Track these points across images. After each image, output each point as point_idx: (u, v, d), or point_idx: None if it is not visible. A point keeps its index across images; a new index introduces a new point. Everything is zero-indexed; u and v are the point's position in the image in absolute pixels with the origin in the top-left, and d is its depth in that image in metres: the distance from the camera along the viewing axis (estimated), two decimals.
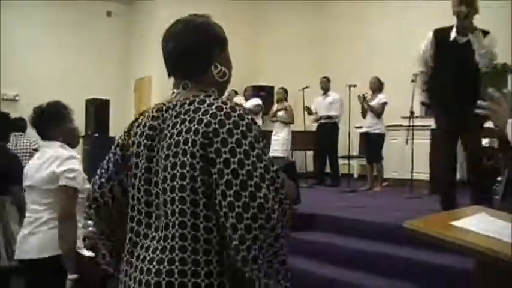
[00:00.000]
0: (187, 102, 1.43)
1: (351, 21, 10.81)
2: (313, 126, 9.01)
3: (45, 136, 2.95)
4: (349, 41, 10.78)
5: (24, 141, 6.42)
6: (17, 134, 6.17)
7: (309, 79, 9.29)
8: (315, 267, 4.36)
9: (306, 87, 8.68)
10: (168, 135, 1.41)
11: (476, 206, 1.63)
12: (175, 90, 1.53)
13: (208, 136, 1.33)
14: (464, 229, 1.46)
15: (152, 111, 1.51)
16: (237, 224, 1.28)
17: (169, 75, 1.56)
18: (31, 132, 6.64)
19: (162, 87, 10.36)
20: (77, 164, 2.81)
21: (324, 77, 8.86)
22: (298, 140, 9.32)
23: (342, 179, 8.65)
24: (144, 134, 1.48)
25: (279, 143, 8.83)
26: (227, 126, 1.34)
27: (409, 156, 7.05)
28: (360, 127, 8.27)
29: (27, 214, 2.92)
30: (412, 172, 7.07)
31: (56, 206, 2.75)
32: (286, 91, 9.19)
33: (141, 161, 1.47)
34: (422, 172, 7.28)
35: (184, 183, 1.34)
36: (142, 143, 1.47)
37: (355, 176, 9.94)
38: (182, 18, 1.56)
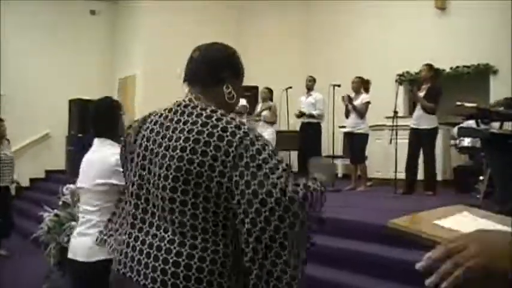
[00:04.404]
0: (195, 113, 1.50)
1: (335, 22, 10.85)
2: (297, 125, 9.01)
3: (97, 133, 2.85)
4: (334, 42, 10.82)
5: None
6: None
7: (293, 79, 9.30)
8: None
9: (289, 88, 8.68)
10: (175, 137, 1.48)
11: (460, 205, 1.65)
12: (188, 97, 1.59)
13: (224, 149, 1.43)
14: (447, 228, 1.48)
15: (162, 113, 1.58)
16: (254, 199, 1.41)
17: (184, 81, 1.65)
18: None
19: (146, 86, 10.29)
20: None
21: (310, 76, 8.86)
22: (283, 140, 9.33)
23: None
24: (152, 137, 1.55)
25: None
26: (244, 143, 1.45)
27: (393, 155, 7.10)
28: (344, 127, 8.31)
29: (80, 215, 2.88)
30: (395, 172, 7.11)
31: (107, 208, 2.64)
32: (270, 91, 9.20)
33: (138, 159, 1.57)
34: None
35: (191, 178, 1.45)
36: (149, 144, 1.55)
37: (340, 175, 9.97)
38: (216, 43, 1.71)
